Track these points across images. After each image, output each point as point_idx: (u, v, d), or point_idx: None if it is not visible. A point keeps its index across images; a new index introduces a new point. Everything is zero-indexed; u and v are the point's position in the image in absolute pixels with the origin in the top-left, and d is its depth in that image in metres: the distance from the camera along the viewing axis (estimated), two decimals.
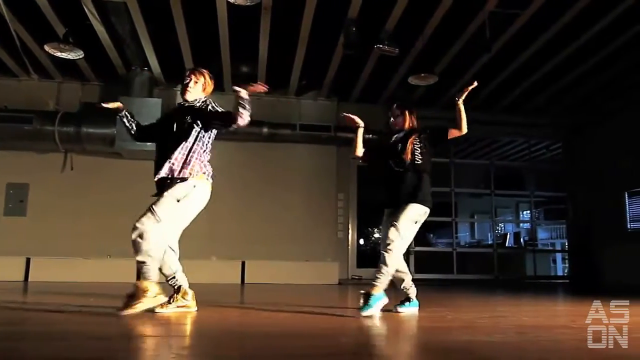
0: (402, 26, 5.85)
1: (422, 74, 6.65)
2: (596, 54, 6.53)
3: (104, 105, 3.37)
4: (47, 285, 5.98)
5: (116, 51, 6.66)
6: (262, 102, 8.22)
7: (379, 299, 3.28)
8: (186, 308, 3.22)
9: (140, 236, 3.01)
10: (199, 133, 3.24)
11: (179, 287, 3.23)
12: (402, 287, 3.57)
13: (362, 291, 3.31)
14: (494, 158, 9.49)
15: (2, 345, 2.04)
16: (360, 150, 3.72)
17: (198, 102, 3.34)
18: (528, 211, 11.74)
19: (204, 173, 3.25)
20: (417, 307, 3.53)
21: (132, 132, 3.48)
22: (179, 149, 3.17)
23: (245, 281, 7.46)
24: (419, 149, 3.50)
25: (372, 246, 9.59)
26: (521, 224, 12.95)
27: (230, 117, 3.19)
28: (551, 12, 5.58)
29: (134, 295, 2.99)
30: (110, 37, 6.23)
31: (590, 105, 8.18)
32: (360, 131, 3.69)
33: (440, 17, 5.66)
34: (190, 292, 3.27)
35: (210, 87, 3.47)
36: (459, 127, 3.43)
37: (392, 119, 3.71)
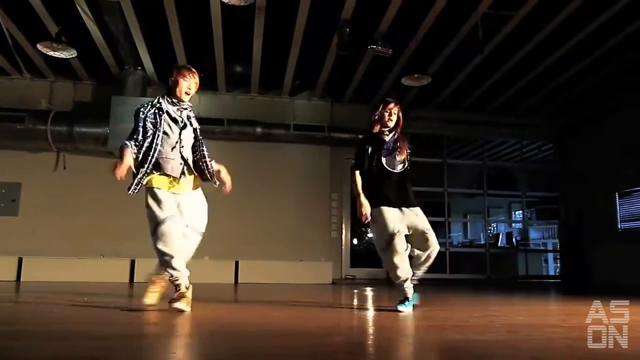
0: (396, 27, 5.88)
1: (416, 75, 6.67)
2: (588, 55, 6.58)
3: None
4: (39, 285, 5.94)
5: (109, 50, 6.63)
6: (256, 102, 8.25)
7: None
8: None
9: None
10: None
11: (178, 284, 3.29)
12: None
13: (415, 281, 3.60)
14: (486, 158, 9.53)
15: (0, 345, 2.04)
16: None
17: (189, 109, 3.39)
18: (520, 211, 11.80)
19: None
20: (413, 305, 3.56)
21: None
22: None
23: (239, 281, 7.45)
24: (408, 157, 3.58)
25: (365, 246, 9.61)
26: (513, 224, 13.01)
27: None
28: (543, 14, 5.62)
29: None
30: (104, 36, 6.20)
31: (582, 106, 8.24)
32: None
33: (433, 18, 5.70)
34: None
35: None
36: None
37: (386, 114, 3.57)
